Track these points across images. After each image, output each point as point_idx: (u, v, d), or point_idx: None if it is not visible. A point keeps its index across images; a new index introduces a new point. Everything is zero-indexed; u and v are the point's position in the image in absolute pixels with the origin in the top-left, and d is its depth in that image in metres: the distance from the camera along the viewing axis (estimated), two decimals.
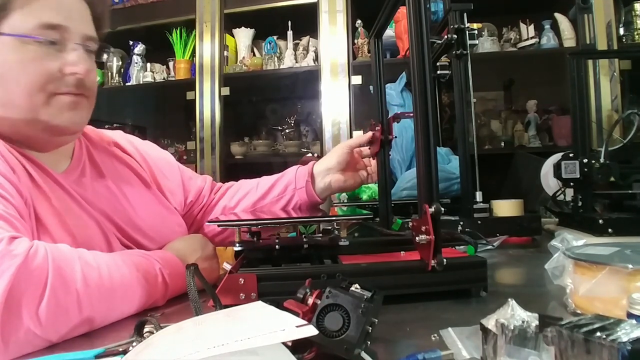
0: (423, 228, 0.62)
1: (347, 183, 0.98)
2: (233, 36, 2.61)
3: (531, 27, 2.26)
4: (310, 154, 2.49)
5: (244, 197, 1.00)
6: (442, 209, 0.61)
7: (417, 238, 0.63)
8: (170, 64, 2.67)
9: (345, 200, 1.36)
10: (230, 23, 2.55)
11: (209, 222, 0.77)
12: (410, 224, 0.68)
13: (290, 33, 2.50)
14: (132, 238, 0.82)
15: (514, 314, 0.38)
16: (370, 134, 0.95)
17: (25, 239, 0.55)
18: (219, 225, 0.75)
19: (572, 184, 1.16)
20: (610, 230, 0.99)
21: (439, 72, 1.35)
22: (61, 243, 0.62)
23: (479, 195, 1.23)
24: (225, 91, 2.47)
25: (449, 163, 1.60)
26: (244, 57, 2.57)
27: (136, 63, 2.63)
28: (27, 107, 0.69)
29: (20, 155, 0.70)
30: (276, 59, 2.51)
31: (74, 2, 0.72)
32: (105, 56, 0.78)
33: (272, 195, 0.98)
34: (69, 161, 0.80)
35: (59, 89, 0.70)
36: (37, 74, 0.68)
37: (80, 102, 0.73)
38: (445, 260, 0.61)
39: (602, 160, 1.10)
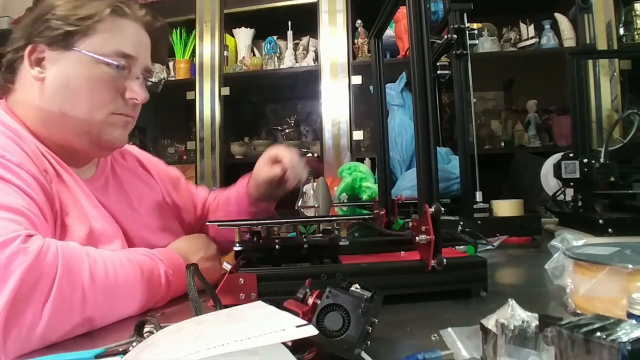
0: (423, 228, 0.62)
1: (278, 194, 1.03)
2: (233, 36, 2.61)
3: (531, 27, 2.26)
4: (310, 154, 2.49)
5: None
6: (442, 209, 0.61)
7: (417, 238, 0.63)
8: (170, 64, 2.66)
9: (345, 200, 1.36)
10: (230, 23, 2.55)
11: (209, 222, 0.77)
12: (410, 224, 0.68)
13: (290, 33, 2.50)
14: (148, 246, 0.83)
15: (514, 314, 0.38)
16: (277, 170, 0.96)
17: (39, 237, 0.56)
18: (219, 226, 0.75)
19: (572, 184, 1.16)
20: (610, 230, 1.00)
21: (439, 72, 1.35)
22: (81, 241, 0.64)
23: (479, 195, 1.23)
24: (225, 91, 2.47)
25: (449, 163, 1.60)
26: (244, 57, 2.57)
27: None
28: (86, 119, 0.76)
29: (52, 158, 0.74)
30: (276, 59, 2.51)
31: (144, 37, 0.82)
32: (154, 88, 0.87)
33: (235, 211, 1.04)
34: (93, 170, 0.85)
35: (118, 109, 0.79)
36: (104, 92, 0.76)
37: (129, 122, 0.82)
38: (445, 260, 0.61)
39: (602, 160, 1.10)
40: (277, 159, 0.97)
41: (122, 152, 0.96)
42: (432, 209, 0.60)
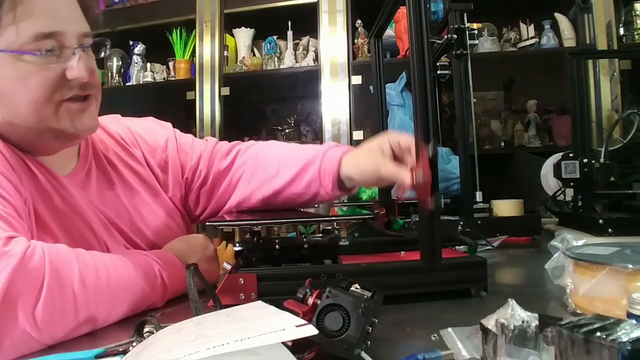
0: (420, 167, 0.63)
1: (379, 185, 0.88)
2: (233, 36, 2.61)
3: (531, 27, 2.26)
4: None
5: (261, 187, 0.88)
6: (438, 148, 0.62)
7: (414, 177, 0.64)
8: (170, 64, 2.67)
9: (345, 200, 1.36)
10: (230, 23, 2.55)
11: (209, 222, 0.77)
12: (410, 169, 0.68)
13: (290, 33, 2.50)
14: (134, 242, 0.81)
15: (514, 314, 0.38)
16: (409, 181, 0.67)
17: (22, 239, 0.54)
18: (218, 226, 0.75)
19: (572, 184, 1.16)
20: (610, 230, 0.99)
21: (439, 72, 1.35)
22: (61, 243, 0.61)
23: (479, 195, 1.23)
24: (225, 91, 2.47)
25: (449, 163, 1.60)
26: (244, 57, 2.57)
27: (136, 63, 2.64)
28: (36, 120, 0.68)
29: (23, 155, 0.70)
30: (276, 59, 2.51)
31: (62, 2, 0.69)
32: (103, 52, 0.75)
33: (293, 190, 0.86)
34: (75, 161, 0.79)
35: (65, 95, 0.69)
36: (40, 86, 0.67)
37: (89, 104, 0.72)
38: (442, 201, 0.61)
39: (602, 160, 1.10)
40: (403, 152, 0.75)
41: (109, 134, 0.87)
42: (429, 148, 0.61)
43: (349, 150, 0.84)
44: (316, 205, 1.08)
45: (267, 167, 0.89)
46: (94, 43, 0.72)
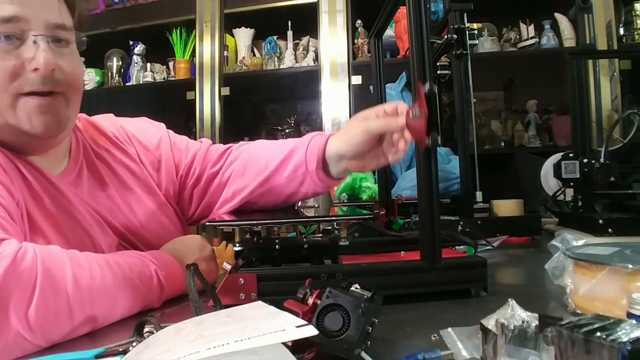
0: (417, 105, 0.63)
1: (367, 168, 0.81)
2: (233, 36, 2.61)
3: (531, 27, 2.26)
4: None
5: (250, 181, 0.87)
6: (435, 91, 0.62)
7: (410, 113, 0.65)
8: (170, 64, 2.66)
9: (345, 200, 1.36)
10: (230, 23, 2.55)
11: (209, 222, 0.76)
12: (410, 108, 0.68)
13: (290, 33, 2.50)
14: (129, 240, 0.81)
15: (514, 314, 0.38)
16: (402, 120, 0.69)
17: (14, 241, 0.54)
18: (218, 226, 0.75)
19: (572, 184, 1.16)
20: (610, 230, 0.99)
21: (439, 72, 1.35)
22: (54, 245, 0.60)
23: (479, 195, 1.24)
24: (225, 91, 2.46)
25: (449, 163, 1.60)
26: (244, 57, 2.57)
27: (136, 63, 2.63)
28: None
29: (14, 157, 0.69)
30: (276, 59, 2.51)
31: None
32: (81, 47, 0.72)
33: (280, 177, 0.85)
34: (66, 160, 0.78)
35: (23, 88, 0.65)
36: None
37: (52, 103, 0.67)
38: (438, 138, 0.61)
39: (602, 160, 1.10)
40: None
41: (101, 132, 0.86)
42: (426, 88, 0.61)
43: (335, 133, 0.84)
44: (316, 205, 1.08)
45: (256, 162, 0.88)
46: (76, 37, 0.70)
